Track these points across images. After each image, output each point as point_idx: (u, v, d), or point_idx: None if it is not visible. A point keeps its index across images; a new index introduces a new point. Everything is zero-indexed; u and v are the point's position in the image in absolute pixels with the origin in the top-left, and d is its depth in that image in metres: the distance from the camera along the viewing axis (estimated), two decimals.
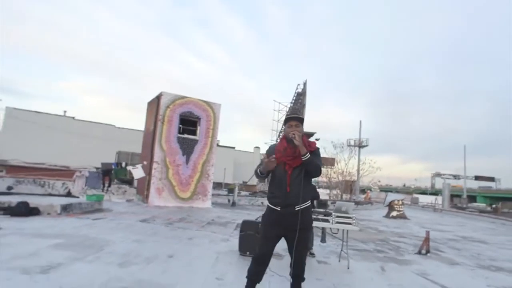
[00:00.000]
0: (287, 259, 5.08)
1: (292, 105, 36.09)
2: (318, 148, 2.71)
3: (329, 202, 20.84)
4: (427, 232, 6.81)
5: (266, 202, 2.83)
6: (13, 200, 7.90)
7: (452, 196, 46.95)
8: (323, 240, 6.85)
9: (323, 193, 34.45)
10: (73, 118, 28.26)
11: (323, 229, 6.61)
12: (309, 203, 2.65)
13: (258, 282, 2.65)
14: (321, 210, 5.35)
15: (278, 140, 2.84)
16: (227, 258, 4.71)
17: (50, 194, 11.65)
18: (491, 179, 71.19)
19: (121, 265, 3.90)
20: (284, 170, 2.56)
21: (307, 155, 2.50)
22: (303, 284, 2.72)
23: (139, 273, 3.66)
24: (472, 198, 53.95)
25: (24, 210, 7.38)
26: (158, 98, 12.57)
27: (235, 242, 5.48)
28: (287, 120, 2.68)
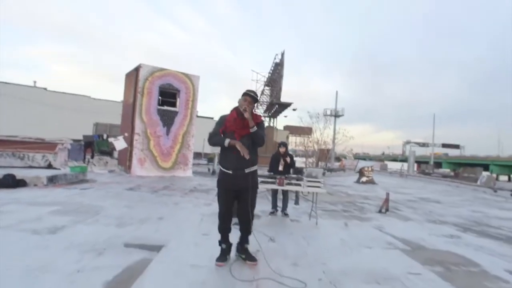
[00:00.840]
0: (265, 219, 5.81)
1: (270, 75, 36.25)
2: (263, 121, 3.34)
3: (304, 170, 22.04)
4: (387, 194, 7.75)
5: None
6: None
7: (421, 163, 50.08)
8: (296, 202, 7.66)
9: (300, 161, 35.82)
10: (45, 89, 27.18)
11: (297, 192, 7.40)
12: (256, 167, 3.23)
13: (229, 233, 3.31)
14: (294, 176, 6.02)
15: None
16: (210, 219, 5.33)
17: (31, 167, 11.73)
18: (457, 146, 75.79)
19: (118, 226, 4.44)
20: (233, 138, 3.07)
21: (254, 127, 3.06)
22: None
23: (135, 231, 4.22)
24: (438, 164, 57.64)
25: (12, 182, 7.62)
26: (136, 70, 12.55)
27: (217, 206, 6.12)
28: (244, 94, 3.14)
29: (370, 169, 17.11)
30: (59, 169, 11.51)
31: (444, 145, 71.77)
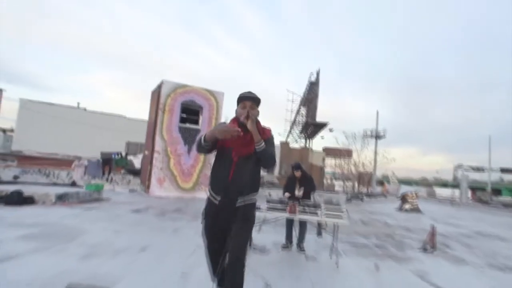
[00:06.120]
0: (274, 255, 4.71)
1: (305, 95, 35.36)
2: (272, 136, 2.36)
3: (341, 194, 20.32)
4: (433, 226, 6.26)
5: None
6: (15, 188, 7.94)
7: (476, 189, 44.96)
8: (319, 233, 6.42)
9: (337, 185, 33.80)
10: (85, 109, 28.78)
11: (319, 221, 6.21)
12: (255, 199, 2.31)
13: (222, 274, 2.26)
14: (310, 201, 4.92)
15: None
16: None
17: (55, 184, 11.73)
18: None
19: (83, 257, 3.65)
20: (229, 156, 2.19)
21: (261, 143, 2.16)
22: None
23: (98, 266, 3.39)
24: (497, 191, 51.47)
25: (17, 199, 7.35)
26: (159, 87, 12.34)
27: None
28: (240, 100, 2.30)
29: (414, 195, 15.11)
30: (82, 186, 11.39)
31: (503, 170, 64.56)
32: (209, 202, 2.29)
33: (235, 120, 2.29)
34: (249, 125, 2.12)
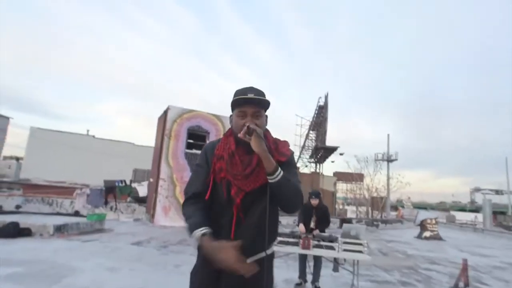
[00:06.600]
0: None
1: (314, 119, 35.13)
2: (292, 155, 1.47)
3: (354, 221, 19.34)
4: (465, 261, 5.56)
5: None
6: (15, 218, 7.63)
7: (496, 213, 42.85)
8: (335, 269, 5.78)
9: (350, 210, 32.65)
10: (93, 136, 29.03)
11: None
12: (272, 255, 1.44)
13: None
14: (325, 234, 4.39)
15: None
16: None
17: (58, 213, 11.36)
18: None
19: None
20: (227, 196, 1.34)
21: (276, 172, 1.29)
22: None
23: None
24: None
25: (13, 231, 6.97)
26: (165, 112, 12.17)
27: None
28: (236, 104, 1.38)
29: (434, 221, 14.19)
30: (86, 216, 11.00)
31: None
32: (202, 263, 1.36)
33: (230, 135, 1.44)
34: (254, 144, 1.27)
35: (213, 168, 1.39)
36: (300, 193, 1.37)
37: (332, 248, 4.04)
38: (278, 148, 1.44)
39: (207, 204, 1.37)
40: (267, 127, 1.49)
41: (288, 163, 1.41)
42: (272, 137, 1.49)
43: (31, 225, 7.53)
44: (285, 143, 1.49)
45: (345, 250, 4.00)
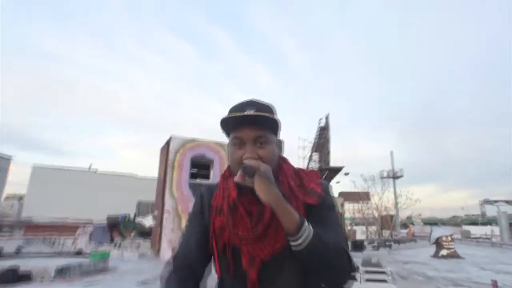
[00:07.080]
0: None
1: (316, 140, 35.06)
2: (327, 187, 0.95)
3: (366, 243, 18.67)
4: (494, 282, 5.20)
5: None
6: (15, 262, 7.38)
7: (511, 225, 41.55)
8: None
9: (359, 231, 31.79)
10: (95, 171, 28.86)
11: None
12: None
13: None
14: None
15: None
16: None
17: (59, 254, 10.99)
18: None
19: None
20: (236, 269, 0.87)
21: (302, 231, 0.76)
22: None
23: None
24: None
25: (12, 278, 6.70)
26: (167, 143, 12.07)
27: None
28: (229, 127, 0.89)
29: (450, 238, 13.68)
30: (88, 255, 10.61)
31: None
32: None
33: (230, 176, 0.94)
34: (259, 191, 0.77)
35: (212, 228, 0.90)
36: (346, 256, 0.80)
37: (354, 278, 3.75)
38: (304, 184, 0.92)
39: (200, 278, 0.94)
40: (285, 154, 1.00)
41: (322, 206, 0.89)
42: (293, 168, 0.97)
43: (32, 268, 7.27)
44: (313, 174, 0.97)
45: (367, 280, 3.71)
